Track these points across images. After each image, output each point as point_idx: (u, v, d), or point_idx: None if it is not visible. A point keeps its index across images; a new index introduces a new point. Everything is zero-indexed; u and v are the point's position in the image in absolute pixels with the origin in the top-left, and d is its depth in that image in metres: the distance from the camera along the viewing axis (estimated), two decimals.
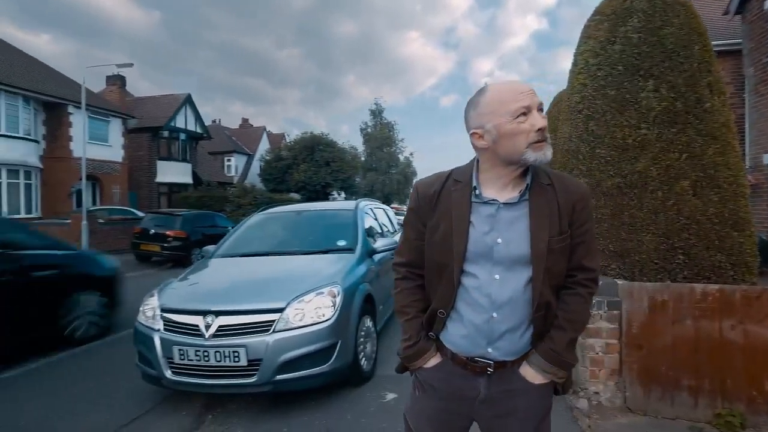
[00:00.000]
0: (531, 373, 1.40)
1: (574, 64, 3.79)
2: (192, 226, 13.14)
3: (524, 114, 1.29)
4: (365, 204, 5.59)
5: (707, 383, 3.08)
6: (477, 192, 1.40)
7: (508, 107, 1.29)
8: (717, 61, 3.50)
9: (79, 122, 18.71)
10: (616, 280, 3.28)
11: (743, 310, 2.96)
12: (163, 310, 3.60)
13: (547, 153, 1.32)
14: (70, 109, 19.28)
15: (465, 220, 1.37)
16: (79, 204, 19.04)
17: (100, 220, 15.99)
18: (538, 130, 1.29)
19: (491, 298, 1.36)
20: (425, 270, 1.49)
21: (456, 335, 1.42)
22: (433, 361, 1.47)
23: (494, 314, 1.36)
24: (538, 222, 1.35)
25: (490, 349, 1.38)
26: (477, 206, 1.39)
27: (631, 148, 3.28)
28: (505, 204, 1.38)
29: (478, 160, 1.44)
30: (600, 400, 3.22)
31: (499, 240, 1.36)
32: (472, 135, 1.38)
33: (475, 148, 1.41)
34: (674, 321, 3.11)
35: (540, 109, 1.33)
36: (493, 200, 1.38)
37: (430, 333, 1.47)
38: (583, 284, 1.44)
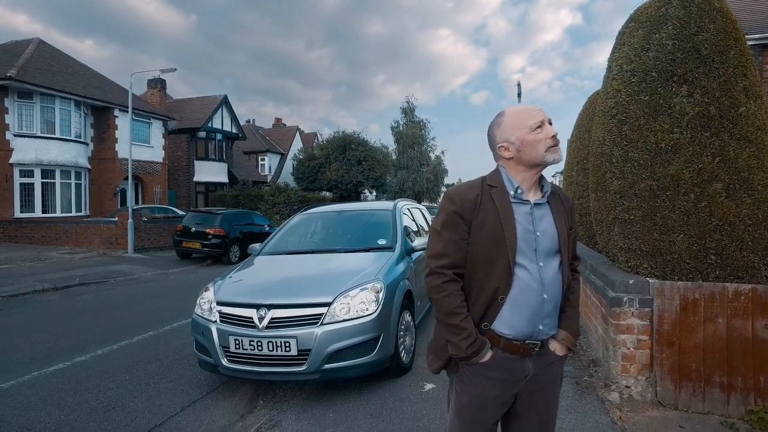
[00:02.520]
0: (559, 347, 1.73)
1: (609, 70, 3.90)
2: (230, 224, 13.67)
3: (540, 127, 1.63)
4: (403, 204, 5.81)
5: (740, 381, 3.18)
6: (519, 192, 1.66)
7: (527, 123, 1.65)
8: (754, 65, 3.55)
9: (123, 125, 19.65)
10: (647, 278, 3.40)
11: None
12: (219, 303, 3.91)
13: (560, 153, 1.67)
14: (116, 112, 20.27)
15: (511, 217, 1.62)
16: (123, 203, 20.01)
17: (144, 219, 16.76)
18: (552, 137, 1.64)
19: (542, 282, 1.62)
20: (469, 267, 1.65)
21: (515, 319, 1.62)
22: (489, 354, 1.63)
23: (545, 295, 1.63)
24: (559, 219, 1.70)
25: (540, 326, 1.65)
26: (516, 206, 1.65)
27: (664, 151, 3.38)
28: (535, 203, 1.68)
29: (503, 169, 1.72)
30: (631, 394, 3.36)
31: (538, 233, 1.65)
32: (499, 148, 1.70)
33: (501, 159, 1.72)
34: (706, 319, 3.21)
35: (550, 122, 1.67)
36: (527, 200, 1.67)
37: (484, 324, 1.63)
38: (577, 270, 1.84)
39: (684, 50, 3.38)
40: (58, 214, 18.06)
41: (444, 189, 43.29)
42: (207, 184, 26.87)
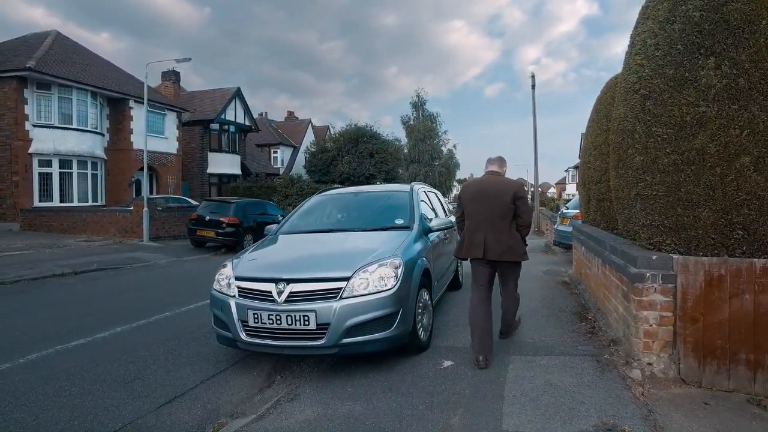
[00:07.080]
0: None
1: (631, 45, 3.83)
2: (244, 213, 13.73)
3: None
4: (419, 186, 5.79)
5: (767, 358, 3.11)
6: None
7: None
8: None
9: (138, 116, 19.82)
10: (671, 254, 3.34)
11: None
12: (237, 279, 3.93)
13: None
14: (131, 103, 20.43)
15: None
16: (138, 193, 20.21)
17: (159, 208, 16.93)
18: None
19: None
20: None
21: None
22: None
23: None
24: None
25: None
26: None
27: (689, 125, 3.31)
28: None
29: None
30: (653, 371, 3.31)
31: None
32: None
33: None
34: (732, 295, 3.15)
35: None
36: None
37: None
38: None
39: (712, 21, 3.30)
40: (75, 203, 18.30)
41: (456, 183, 43.10)
42: (220, 176, 27.02)
